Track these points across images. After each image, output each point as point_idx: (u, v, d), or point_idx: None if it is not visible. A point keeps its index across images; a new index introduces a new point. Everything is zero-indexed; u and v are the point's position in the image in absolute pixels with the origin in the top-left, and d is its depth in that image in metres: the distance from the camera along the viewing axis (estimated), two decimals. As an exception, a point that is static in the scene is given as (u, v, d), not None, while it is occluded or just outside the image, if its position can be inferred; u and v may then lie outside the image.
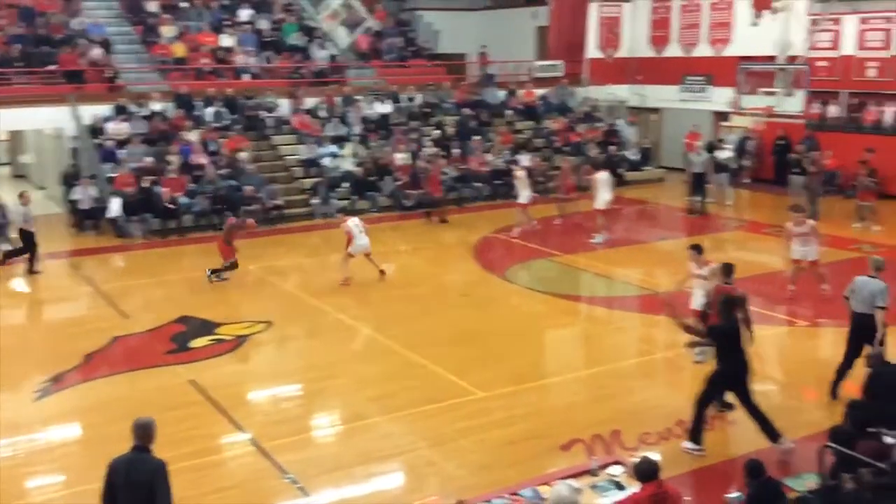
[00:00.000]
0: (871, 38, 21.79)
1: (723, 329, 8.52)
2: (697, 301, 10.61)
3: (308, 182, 21.28)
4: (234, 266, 15.20)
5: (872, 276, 9.71)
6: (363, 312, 13.52)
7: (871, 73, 21.86)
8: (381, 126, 23.41)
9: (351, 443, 9.03)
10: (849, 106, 22.58)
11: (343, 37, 25.66)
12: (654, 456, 6.84)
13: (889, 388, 7.92)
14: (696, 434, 8.52)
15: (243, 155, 20.79)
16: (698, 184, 20.44)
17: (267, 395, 10.61)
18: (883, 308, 9.46)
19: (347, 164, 21.69)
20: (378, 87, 24.94)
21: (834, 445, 6.62)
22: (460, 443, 8.88)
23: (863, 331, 9.54)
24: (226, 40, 24.40)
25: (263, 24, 25.72)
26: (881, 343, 9.31)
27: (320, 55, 24.94)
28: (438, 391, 10.20)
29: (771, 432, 8.39)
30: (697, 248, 11.05)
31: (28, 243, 16.11)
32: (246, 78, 23.84)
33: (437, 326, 12.79)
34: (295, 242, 18.38)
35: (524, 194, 18.72)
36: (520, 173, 19.14)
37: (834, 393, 9.59)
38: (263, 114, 22.49)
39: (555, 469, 7.70)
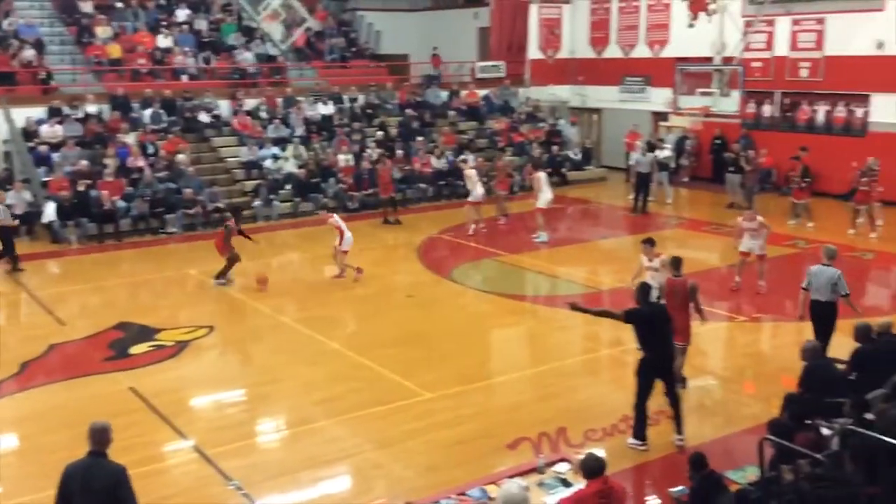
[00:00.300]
0: (804, 39, 22.36)
1: (639, 313, 8.63)
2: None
3: (250, 184, 21.02)
4: (236, 260, 14.99)
5: (826, 265, 10.15)
6: (307, 315, 13.39)
7: (804, 73, 22.44)
8: (323, 127, 23.25)
9: (296, 447, 8.94)
10: (782, 105, 23.15)
11: (283, 37, 25.39)
12: (600, 452, 6.92)
13: (824, 381, 8.12)
14: (639, 430, 8.64)
15: (182, 157, 20.44)
16: (643, 183, 20.74)
17: (210, 401, 10.45)
18: (847, 295, 9.98)
19: (290, 166, 21.48)
20: (320, 88, 24.76)
21: (773, 438, 6.75)
22: (407, 444, 8.86)
23: (823, 318, 9.96)
24: (163, 41, 23.96)
25: (201, 25, 25.34)
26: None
27: (245, 56, 24.56)
28: (385, 393, 10.16)
29: (678, 426, 8.69)
30: (650, 242, 11.45)
31: (7, 240, 16.02)
32: (184, 79, 23.44)
33: (383, 328, 12.74)
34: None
35: (475, 192, 18.81)
36: (470, 171, 19.21)
37: None
38: (203, 115, 22.16)
39: (502, 468, 7.74)
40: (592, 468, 5.94)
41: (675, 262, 10.03)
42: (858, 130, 21.38)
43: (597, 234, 19.43)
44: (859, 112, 21.44)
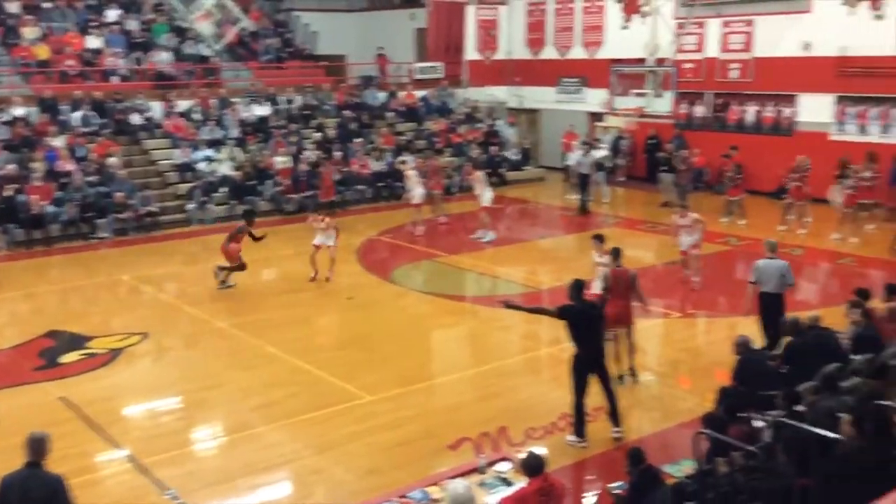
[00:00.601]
0: (733, 41, 22.88)
1: (571, 309, 8.71)
2: (598, 286, 11.01)
3: (183, 187, 20.64)
4: (241, 268, 14.72)
5: (771, 258, 10.61)
6: (244, 320, 13.17)
7: (734, 74, 22.95)
8: (259, 129, 22.96)
9: (234, 454, 8.79)
10: (714, 106, 23.65)
11: (216, 37, 24.99)
12: (540, 450, 6.93)
13: (756, 374, 8.32)
14: (578, 427, 8.71)
15: (113, 160, 19.96)
16: (584, 183, 20.84)
17: (144, 410, 10.20)
18: (792, 285, 10.73)
19: (225, 168, 21.15)
20: (255, 89, 24.45)
21: (707, 431, 6.86)
22: (348, 448, 8.79)
23: (772, 308, 10.37)
24: (92, 41, 23.36)
25: (132, 25, 24.77)
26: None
27: (161, 56, 24.03)
28: (324, 397, 10.06)
29: (615, 419, 8.79)
30: (599, 238, 11.79)
31: None
32: (115, 80, 22.90)
33: (322, 331, 12.64)
34: (171, 250, 17.80)
35: (416, 193, 18.75)
36: (410, 172, 19.15)
37: None
38: (134, 117, 21.67)
39: (443, 469, 7.70)
40: (533, 466, 5.97)
41: (616, 253, 10.47)
42: (786, 130, 21.95)
43: (536, 233, 19.58)
44: (787, 112, 22.01)
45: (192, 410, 10.08)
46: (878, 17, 19.81)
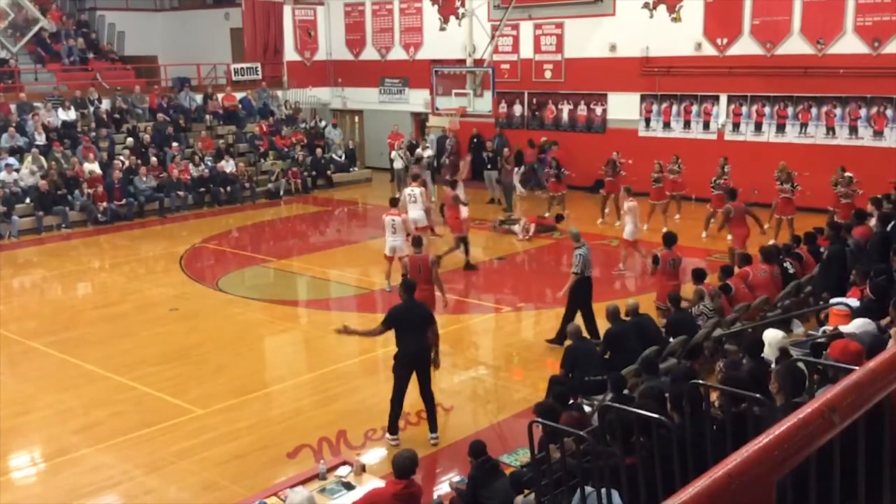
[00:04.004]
0: (546, 43, 23.82)
1: (393, 313, 8.76)
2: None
3: (-17, 199, 19.09)
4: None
5: (582, 245, 11.40)
6: (59, 338, 12.32)
7: (548, 74, 23.90)
8: (66, 135, 21.59)
9: (56, 480, 8.23)
10: (531, 105, 24.53)
11: (13, 39, 23.28)
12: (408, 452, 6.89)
13: (584, 360, 8.71)
14: (392, 424, 8.70)
15: None
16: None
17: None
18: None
19: (29, 178, 19.73)
20: (59, 93, 22.97)
21: (540, 420, 7.10)
22: (181, 465, 8.43)
23: (590, 292, 11.16)
24: None
25: (-85, 23, 22.68)
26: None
27: None
28: (152, 414, 9.59)
29: (432, 423, 8.78)
30: (394, 202, 14.33)
31: None
32: None
33: (146, 345, 12.02)
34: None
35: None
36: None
37: None
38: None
39: (283, 478, 7.56)
40: (403, 467, 5.97)
41: (416, 241, 11.41)
42: (599, 127, 23.10)
43: (366, 234, 19.52)
44: (598, 110, 23.18)
45: (5, 438, 9.31)
46: (675, 20, 21.23)
